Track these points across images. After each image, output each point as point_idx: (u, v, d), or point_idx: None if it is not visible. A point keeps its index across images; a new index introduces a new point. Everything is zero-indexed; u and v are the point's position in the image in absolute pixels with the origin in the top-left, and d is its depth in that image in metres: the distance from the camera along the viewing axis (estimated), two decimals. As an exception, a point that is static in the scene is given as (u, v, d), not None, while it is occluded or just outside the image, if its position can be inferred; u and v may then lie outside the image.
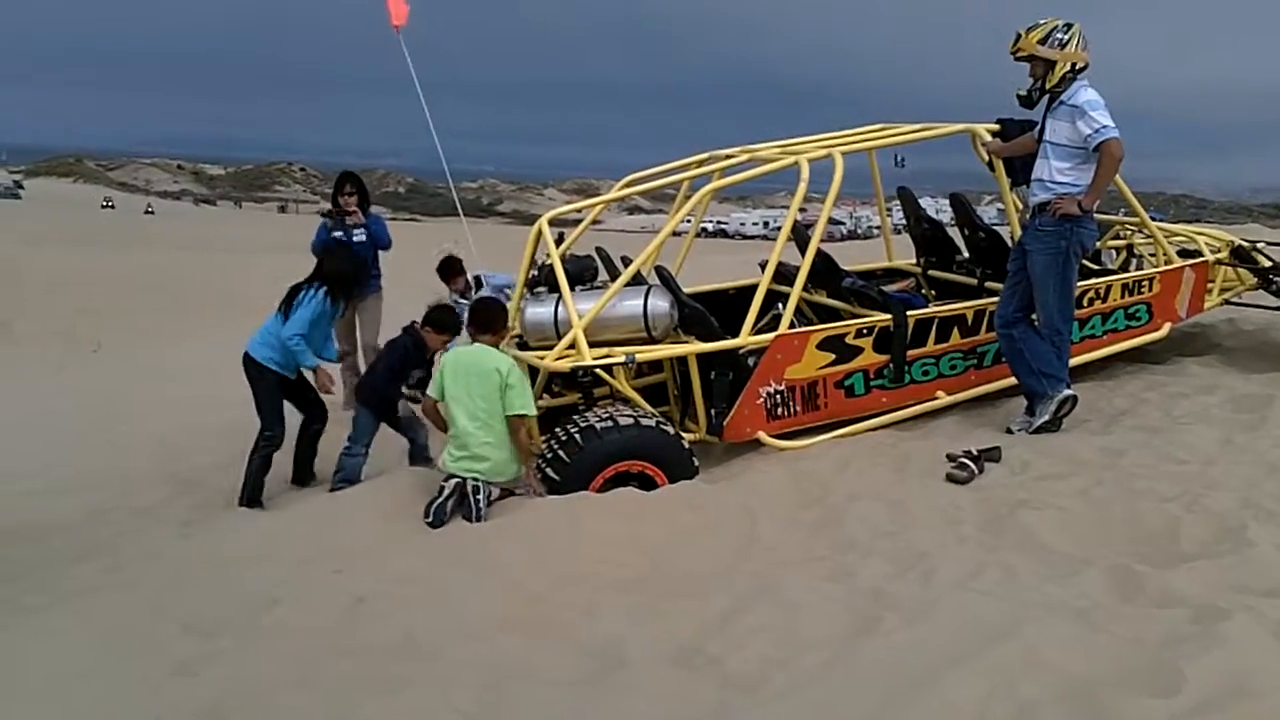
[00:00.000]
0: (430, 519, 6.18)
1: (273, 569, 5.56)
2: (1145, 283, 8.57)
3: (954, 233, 9.99)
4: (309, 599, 5.14)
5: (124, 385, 15.73)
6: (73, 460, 10.03)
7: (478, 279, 10.18)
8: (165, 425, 11.23)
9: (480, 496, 6.24)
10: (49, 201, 78.93)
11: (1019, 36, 7.24)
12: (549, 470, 6.63)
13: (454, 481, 6.34)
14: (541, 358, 7.06)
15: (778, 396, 7.40)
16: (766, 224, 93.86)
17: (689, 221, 9.38)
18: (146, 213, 76.85)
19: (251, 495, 7.57)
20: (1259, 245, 9.79)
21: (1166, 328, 8.70)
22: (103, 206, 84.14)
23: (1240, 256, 9.54)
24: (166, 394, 14.10)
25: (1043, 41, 7.14)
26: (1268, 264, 9.47)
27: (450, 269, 10.47)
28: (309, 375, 7.83)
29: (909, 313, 7.73)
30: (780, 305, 7.76)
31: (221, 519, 7.18)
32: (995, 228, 9.39)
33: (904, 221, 10.56)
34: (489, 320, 6.83)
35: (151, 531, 7.03)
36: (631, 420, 6.75)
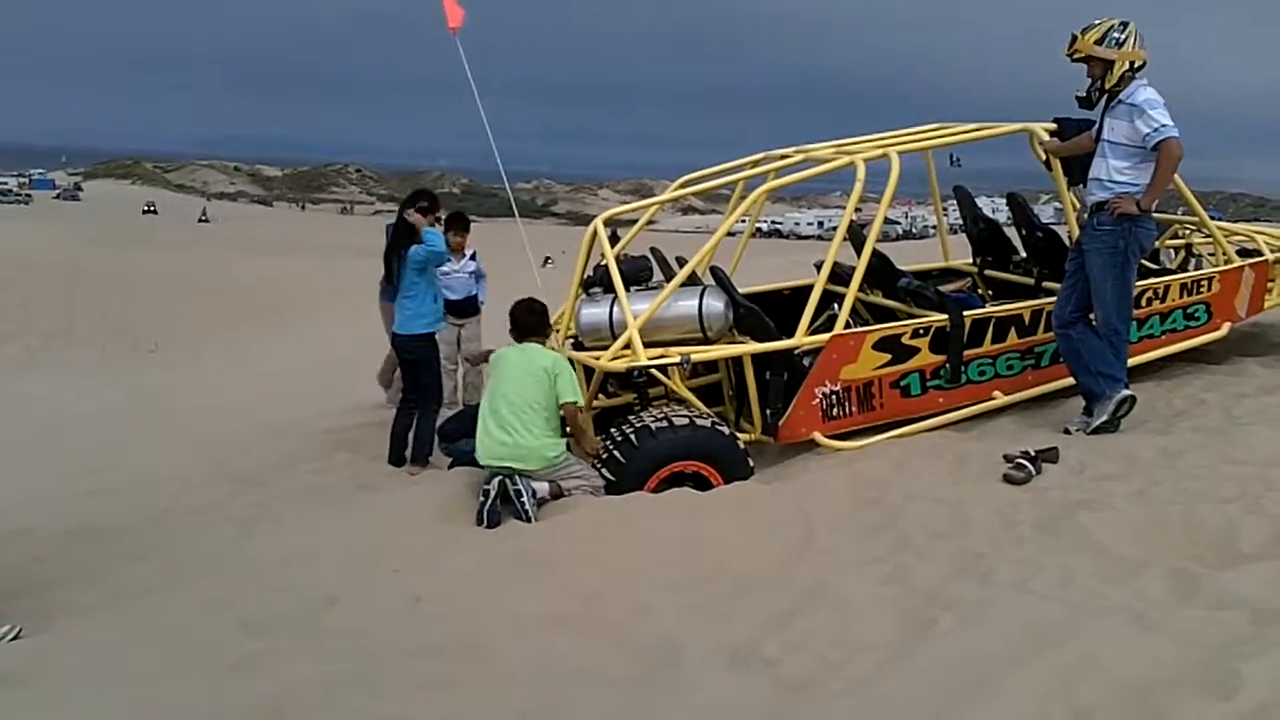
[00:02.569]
0: (484, 523, 6.25)
1: (330, 568, 5.61)
2: (1204, 282, 8.48)
3: (1011, 232, 9.94)
4: (367, 599, 5.20)
5: (181, 386, 15.94)
6: (130, 461, 10.19)
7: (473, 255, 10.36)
8: (222, 425, 11.39)
9: (525, 498, 6.29)
10: (108, 203, 77.98)
11: (1075, 38, 7.20)
12: (604, 470, 6.67)
13: (496, 480, 6.41)
14: (597, 358, 7.11)
15: (833, 397, 7.40)
16: (821, 224, 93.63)
17: (744, 222, 9.39)
18: (201, 220, 68.67)
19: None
20: (1319, 244, 9.66)
21: (1226, 327, 8.61)
22: (144, 211, 73.26)
23: (1301, 256, 9.43)
24: (222, 395, 14.28)
25: (1099, 42, 7.09)
26: (1329, 263, 9.35)
27: (458, 222, 10.43)
28: None
29: (965, 313, 7.70)
30: (836, 305, 7.75)
31: (279, 518, 7.25)
32: (1052, 227, 9.33)
33: (960, 221, 10.52)
34: (532, 327, 7.05)
35: (209, 531, 7.12)
36: (687, 420, 6.78)
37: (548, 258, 35.75)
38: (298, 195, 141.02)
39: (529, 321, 7.10)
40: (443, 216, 8.67)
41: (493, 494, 6.32)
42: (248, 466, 9.00)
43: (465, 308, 10.21)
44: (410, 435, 8.27)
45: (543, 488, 6.42)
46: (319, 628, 4.92)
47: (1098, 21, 7.16)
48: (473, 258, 10.35)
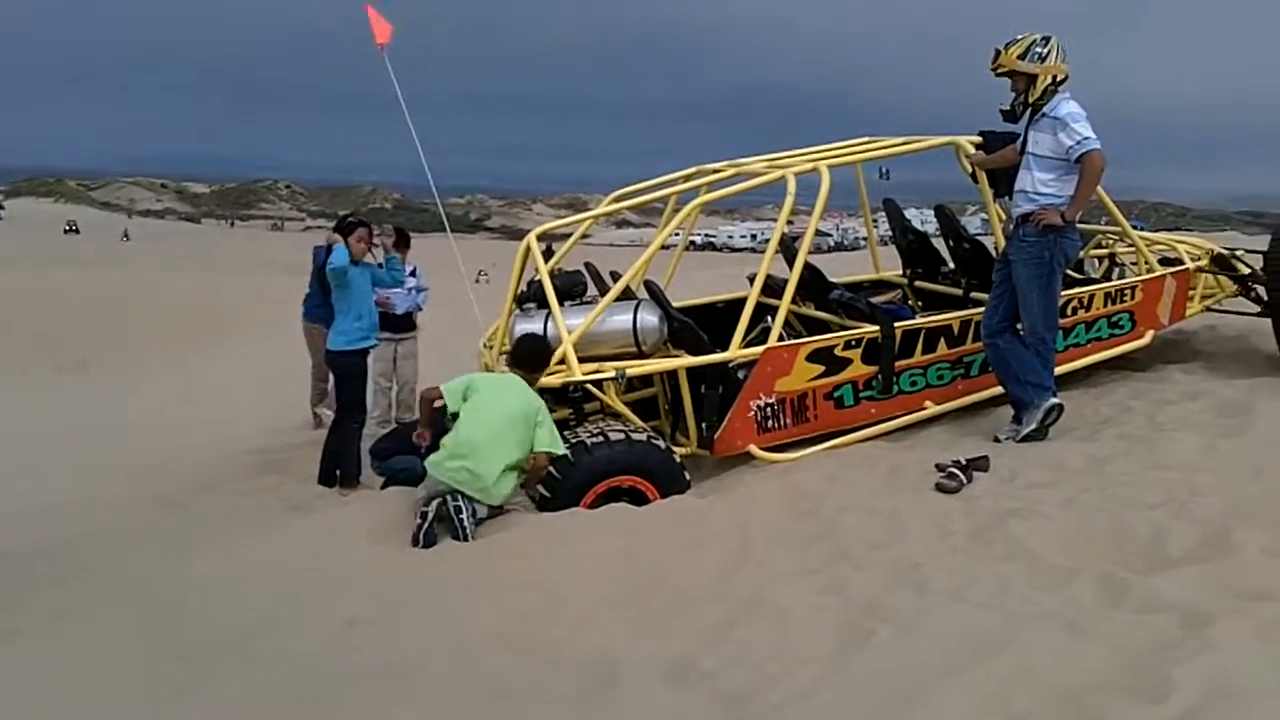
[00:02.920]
0: (420, 544, 6.14)
1: (263, 592, 5.55)
2: (1128, 291, 8.63)
3: (939, 244, 10.05)
4: (300, 622, 5.14)
5: (107, 406, 15.68)
6: (53, 482, 9.99)
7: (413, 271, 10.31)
8: (150, 446, 11.22)
9: (465, 516, 6.21)
10: (29, 222, 76.09)
11: (998, 53, 7.30)
12: (541, 486, 6.66)
13: (435, 503, 6.30)
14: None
15: (768, 409, 7.44)
16: (754, 237, 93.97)
17: (677, 235, 9.43)
18: (123, 239, 63.80)
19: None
20: (1238, 253, 9.86)
21: (1149, 335, 8.76)
22: (65, 231, 67.81)
23: (1220, 264, 9.62)
24: (150, 415, 14.08)
25: (1022, 56, 7.20)
26: (1247, 271, 9.54)
27: (399, 238, 10.43)
28: None
29: (896, 324, 7.78)
30: (769, 318, 7.80)
31: (208, 540, 7.13)
32: (979, 238, 9.45)
33: (890, 233, 10.63)
34: (535, 360, 6.92)
35: (136, 554, 6.99)
36: (622, 435, 6.79)
37: (481, 271, 35.60)
38: (226, 212, 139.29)
39: (533, 358, 6.94)
40: (364, 222, 8.61)
41: (430, 516, 6.22)
42: (176, 488, 8.88)
43: (403, 324, 10.16)
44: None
45: (483, 509, 6.36)
46: (250, 654, 4.86)
47: (1020, 37, 7.27)
48: (413, 273, 10.31)
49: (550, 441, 6.58)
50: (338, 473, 8.19)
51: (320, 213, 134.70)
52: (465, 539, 6.14)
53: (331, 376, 8.84)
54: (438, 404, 6.78)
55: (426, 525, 6.17)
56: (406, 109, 10.78)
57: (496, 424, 6.49)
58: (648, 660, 4.49)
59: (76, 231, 68.04)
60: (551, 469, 6.64)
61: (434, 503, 6.29)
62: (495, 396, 6.65)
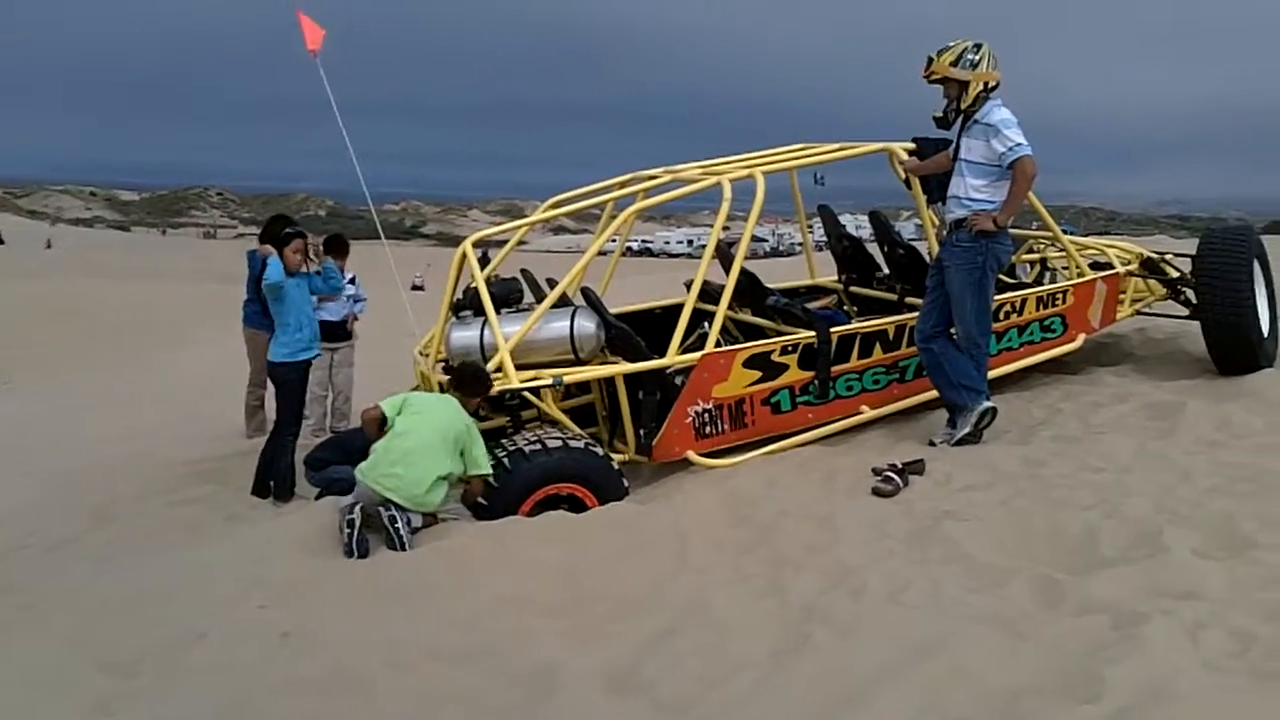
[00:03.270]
0: (354, 554, 6.03)
1: (194, 604, 5.43)
2: (1059, 295, 8.73)
3: (874, 249, 10.12)
4: (233, 634, 5.04)
5: (36, 418, 15.40)
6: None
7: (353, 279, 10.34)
8: (80, 457, 11.04)
9: (400, 525, 6.14)
10: None
11: (931, 60, 7.36)
12: (479, 497, 6.62)
13: (358, 508, 6.19)
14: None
15: (706, 415, 7.44)
16: (691, 242, 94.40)
17: (614, 241, 9.43)
18: (47, 248, 62.39)
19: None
20: (1167, 256, 10.01)
21: (1081, 339, 8.86)
22: None
23: (1150, 268, 9.75)
24: (80, 426, 13.84)
25: (955, 63, 7.27)
26: (1176, 275, 9.69)
27: (337, 245, 10.37)
28: None
29: (832, 329, 7.81)
30: (706, 324, 7.80)
31: (140, 552, 7.03)
32: (914, 244, 9.53)
33: (825, 239, 10.68)
34: (474, 386, 6.85)
35: (66, 567, 6.89)
36: (560, 443, 6.76)
37: (416, 283, 35.38)
38: (157, 220, 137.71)
39: (473, 382, 6.87)
40: (302, 232, 8.53)
41: (357, 523, 6.11)
42: (107, 500, 8.72)
43: (339, 332, 10.10)
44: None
45: (417, 518, 6.29)
46: (182, 666, 4.78)
47: (953, 44, 7.34)
48: (352, 281, 10.27)
49: (484, 464, 6.56)
50: (271, 484, 8.09)
51: (252, 220, 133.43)
52: (401, 548, 6.06)
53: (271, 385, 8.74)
54: (378, 421, 6.75)
55: (355, 533, 6.06)
56: (340, 116, 10.69)
57: (427, 435, 6.44)
58: (588, 669, 4.47)
59: (1, 241, 65.98)
60: (489, 477, 6.60)
61: (356, 508, 6.19)
62: (428, 410, 6.63)
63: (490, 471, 6.59)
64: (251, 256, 9.57)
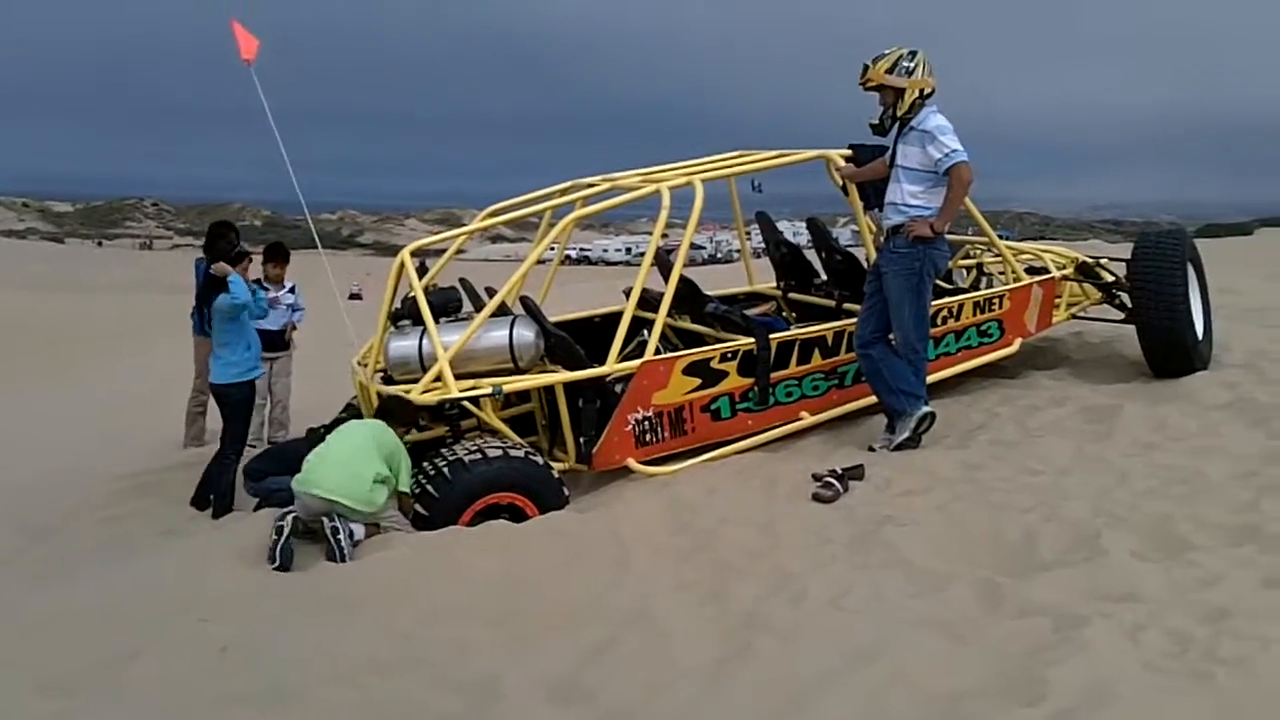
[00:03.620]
0: (276, 562, 5.96)
1: (133, 620, 5.35)
2: (996, 300, 8.81)
3: (812, 256, 10.16)
4: (171, 651, 4.96)
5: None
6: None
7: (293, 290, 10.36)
8: (12, 474, 10.81)
9: (342, 536, 6.08)
10: None
11: (867, 68, 7.40)
12: (417, 505, 6.56)
13: (291, 518, 6.16)
14: (407, 391, 6.99)
15: (645, 423, 7.43)
16: (629, 250, 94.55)
17: (553, 250, 9.41)
18: None
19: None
20: (1102, 261, 10.13)
21: (1017, 343, 8.95)
22: None
23: (1085, 272, 9.87)
24: (12, 442, 13.59)
25: (890, 71, 7.31)
26: (1111, 279, 9.80)
27: (278, 253, 10.45)
28: None
29: (771, 336, 7.82)
30: (645, 332, 7.80)
31: (75, 570, 6.92)
32: (851, 250, 9.57)
33: (763, 246, 10.71)
34: (400, 415, 6.89)
35: (2, 585, 6.76)
36: (500, 452, 6.71)
37: (353, 291, 35.09)
38: (91, 231, 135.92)
39: (399, 412, 6.91)
40: (246, 253, 8.48)
41: (285, 530, 6.06)
42: (40, 517, 8.54)
43: (277, 342, 10.02)
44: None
45: (359, 530, 6.24)
46: (120, 683, 4.68)
47: (888, 51, 7.38)
48: (291, 290, 10.27)
49: (406, 482, 6.60)
50: (210, 498, 7.98)
51: (189, 230, 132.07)
52: (341, 559, 6.00)
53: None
54: None
55: (282, 541, 5.99)
56: (275, 124, 10.60)
57: (359, 440, 6.50)
58: (530, 679, 4.43)
59: None
60: (429, 487, 6.56)
61: (289, 517, 6.15)
62: (357, 425, 6.79)
63: (409, 491, 6.60)
64: (198, 265, 9.50)
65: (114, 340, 23.02)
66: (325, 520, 6.11)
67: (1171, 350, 8.59)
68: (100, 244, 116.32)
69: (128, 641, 5.04)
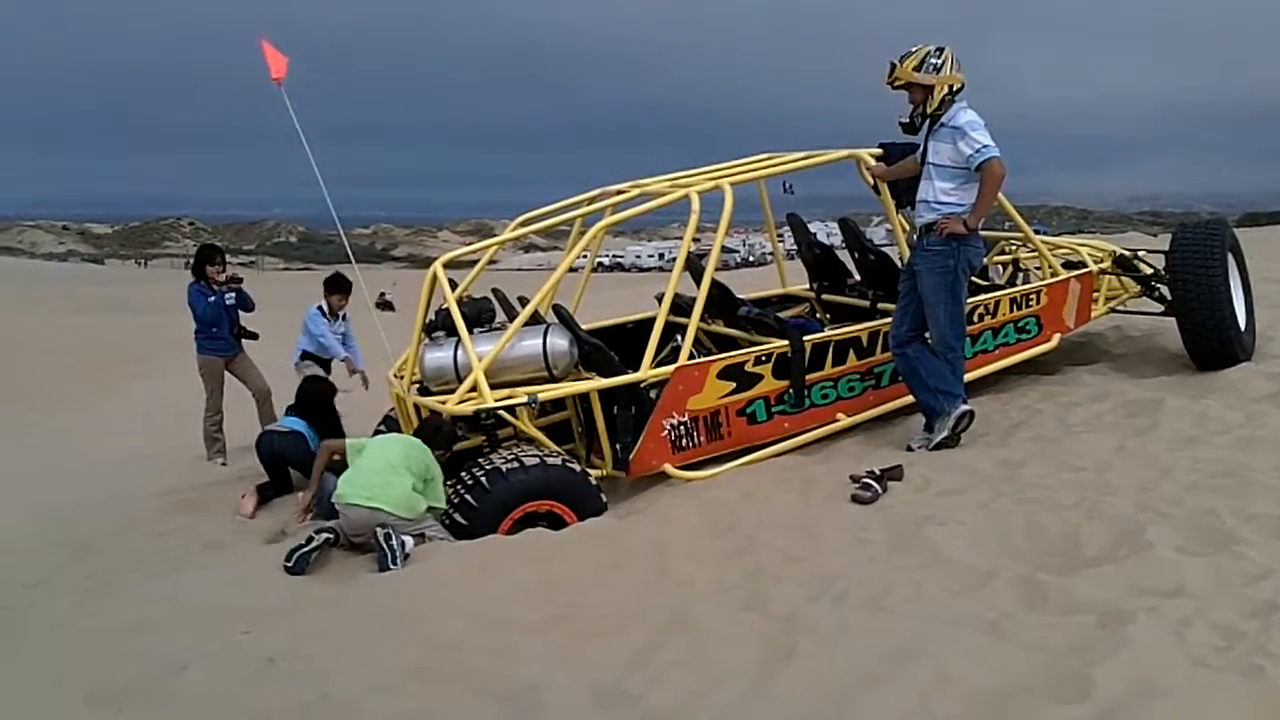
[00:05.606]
0: (290, 563, 6.07)
1: (178, 634, 5.39)
2: (1033, 296, 8.74)
3: (844, 256, 10.13)
4: (218, 663, 5.00)
5: (11, 454, 15.25)
6: (-41, 534, 9.68)
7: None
8: (58, 492, 10.92)
9: (394, 543, 6.13)
10: None
11: (894, 66, 7.36)
12: (457, 515, 6.58)
13: (324, 535, 6.27)
14: (443, 402, 7.02)
15: (681, 428, 7.42)
16: (661, 256, 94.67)
17: (584, 258, 9.41)
18: None
19: None
20: (1140, 253, 10.05)
21: (1056, 339, 8.88)
22: None
23: (1123, 265, 9.79)
24: (58, 460, 13.73)
25: (917, 68, 7.26)
26: (1149, 271, 9.72)
27: (340, 285, 10.80)
28: None
29: (805, 337, 7.80)
30: (679, 337, 7.79)
31: (121, 585, 6.96)
32: (884, 249, 9.53)
33: (795, 248, 10.69)
34: (436, 439, 6.95)
35: (49, 602, 6.80)
36: (537, 460, 6.73)
37: (383, 296, 35.22)
38: (130, 252, 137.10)
39: (434, 436, 6.98)
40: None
41: (316, 542, 6.18)
42: (86, 534, 8.60)
43: (326, 364, 10.60)
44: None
45: (410, 541, 6.27)
46: (168, 695, 4.72)
47: (915, 49, 7.33)
48: (343, 317, 10.76)
49: (440, 500, 6.70)
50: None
51: (225, 248, 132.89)
52: (393, 563, 6.02)
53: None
54: (336, 456, 7.06)
55: (308, 549, 6.13)
56: (307, 141, 10.66)
57: (393, 456, 6.63)
58: (573, 686, 4.43)
59: None
60: (467, 496, 6.58)
61: (324, 534, 6.28)
62: (389, 441, 6.92)
63: (444, 508, 6.66)
64: (190, 290, 10.45)
65: (156, 358, 23.20)
66: (377, 529, 6.16)
67: (1213, 342, 8.48)
68: (145, 264, 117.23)
69: (175, 654, 5.08)
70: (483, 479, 6.60)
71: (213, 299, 10.50)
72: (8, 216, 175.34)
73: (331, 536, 6.28)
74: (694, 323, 7.59)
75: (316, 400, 8.77)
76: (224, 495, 8.58)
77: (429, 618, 5.34)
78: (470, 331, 7.24)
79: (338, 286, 10.67)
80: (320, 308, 10.48)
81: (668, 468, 7.36)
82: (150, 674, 4.91)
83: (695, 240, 7.97)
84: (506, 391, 7.01)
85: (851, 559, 5.48)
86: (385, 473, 6.48)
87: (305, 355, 10.47)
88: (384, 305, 32.03)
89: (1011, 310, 8.63)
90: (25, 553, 8.14)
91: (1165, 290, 9.26)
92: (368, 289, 11.99)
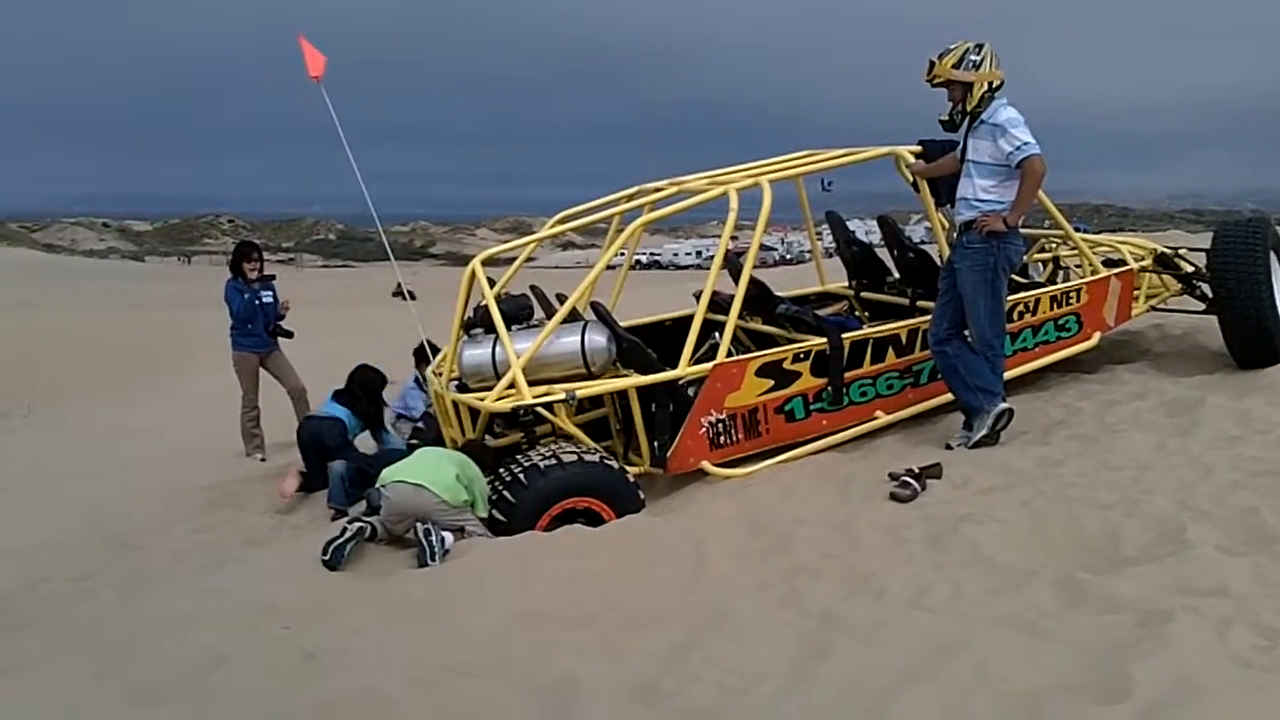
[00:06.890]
0: (326, 556, 6.08)
1: (219, 629, 5.42)
2: (1073, 294, 8.69)
3: (883, 254, 10.10)
4: (257, 658, 5.03)
5: (55, 450, 15.40)
6: (3, 529, 9.80)
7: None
8: (99, 488, 11.03)
9: (434, 538, 6.15)
10: None
11: (933, 64, 7.33)
12: (495, 511, 6.61)
13: (356, 525, 6.28)
14: (481, 399, 7.04)
15: (719, 425, 7.42)
16: (699, 254, 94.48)
17: (622, 255, 9.42)
18: None
19: None
20: (1181, 251, 9.97)
21: (1096, 337, 8.84)
22: None
23: (1164, 263, 9.72)
24: (99, 457, 13.85)
25: (956, 65, 7.24)
26: (1190, 269, 9.65)
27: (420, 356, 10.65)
28: None
29: (844, 335, 7.79)
30: (717, 334, 7.80)
31: (162, 580, 7.02)
32: (923, 247, 9.50)
33: (834, 245, 10.66)
34: (482, 457, 7.03)
35: (91, 598, 6.86)
36: (575, 457, 6.74)
37: (406, 291, 35.22)
38: (170, 249, 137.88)
39: (482, 454, 7.09)
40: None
41: (350, 533, 6.20)
42: (128, 529, 8.70)
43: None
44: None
45: (449, 538, 6.30)
46: (209, 690, 4.75)
47: (953, 46, 7.31)
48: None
49: (482, 506, 6.69)
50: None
51: (265, 245, 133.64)
52: (433, 558, 6.04)
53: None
54: None
55: (343, 539, 6.14)
56: (346, 138, 10.72)
57: (442, 453, 6.80)
58: (610, 682, 4.44)
59: None
60: (506, 493, 6.61)
61: (355, 525, 6.31)
62: (437, 450, 7.06)
63: (486, 514, 6.67)
64: (227, 287, 10.76)
65: (197, 355, 23.37)
66: (417, 525, 6.19)
67: (1255, 340, 8.44)
68: (189, 261, 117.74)
69: (214, 650, 5.10)
70: (521, 476, 6.63)
71: (247, 295, 10.72)
72: (52, 214, 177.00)
73: (366, 527, 6.31)
74: (732, 320, 7.59)
75: (365, 388, 8.84)
76: (262, 491, 8.65)
77: (467, 612, 5.35)
78: (508, 329, 7.27)
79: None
80: (417, 379, 10.33)
81: (705, 465, 7.37)
82: (190, 669, 4.93)
83: (733, 238, 7.97)
84: (545, 388, 7.03)
85: (889, 557, 5.47)
86: (432, 459, 6.62)
87: (400, 416, 10.45)
88: (406, 294, 32.07)
89: (1052, 308, 8.58)
90: (67, 548, 8.24)
91: (1206, 288, 9.20)
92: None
